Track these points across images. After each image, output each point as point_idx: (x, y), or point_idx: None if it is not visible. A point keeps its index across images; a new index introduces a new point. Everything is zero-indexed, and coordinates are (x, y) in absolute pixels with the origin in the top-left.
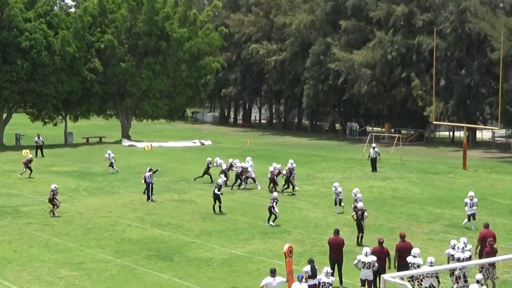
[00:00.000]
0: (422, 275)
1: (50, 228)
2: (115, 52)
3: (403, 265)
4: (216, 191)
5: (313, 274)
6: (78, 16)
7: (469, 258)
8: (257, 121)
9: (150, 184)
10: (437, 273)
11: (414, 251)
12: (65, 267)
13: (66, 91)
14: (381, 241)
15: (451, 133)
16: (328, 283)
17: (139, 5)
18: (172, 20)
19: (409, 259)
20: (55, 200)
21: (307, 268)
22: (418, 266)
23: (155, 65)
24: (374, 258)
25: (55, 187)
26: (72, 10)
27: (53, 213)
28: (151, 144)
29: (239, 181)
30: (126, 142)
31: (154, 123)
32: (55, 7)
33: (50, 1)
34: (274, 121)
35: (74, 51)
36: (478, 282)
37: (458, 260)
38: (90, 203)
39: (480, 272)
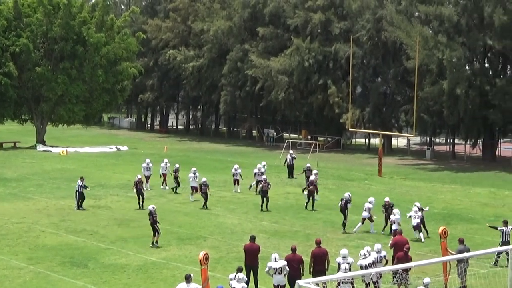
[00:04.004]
0: (338, 281)
1: None
2: (30, 56)
3: (318, 271)
4: None
5: None
6: None
7: (372, 264)
8: (174, 127)
9: (79, 193)
10: (352, 279)
11: (343, 252)
12: None
13: None
14: (294, 248)
15: (367, 140)
16: None
17: (55, 10)
18: (89, 25)
19: (338, 260)
20: (156, 224)
21: (233, 275)
22: (350, 265)
23: (71, 70)
24: (284, 262)
25: (153, 208)
26: None
27: (155, 242)
28: (66, 150)
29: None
30: (41, 147)
31: (70, 128)
32: None
33: None
34: (191, 127)
35: None
36: (425, 286)
37: (361, 267)
38: (3, 209)
39: (393, 278)
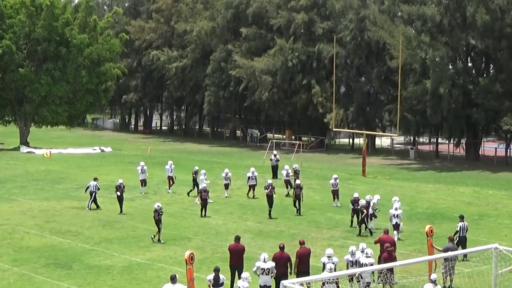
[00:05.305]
0: (322, 281)
1: None
2: (13, 57)
3: (303, 271)
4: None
5: (216, 282)
6: None
7: (371, 265)
8: (158, 128)
9: (94, 193)
10: (337, 279)
11: (328, 251)
12: None
13: None
14: (282, 246)
15: (351, 140)
16: None
17: (38, 11)
18: (72, 26)
19: (323, 259)
20: (160, 222)
21: (211, 276)
22: (335, 265)
23: (55, 71)
24: (272, 264)
25: (158, 206)
26: None
27: (158, 239)
28: (50, 151)
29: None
30: (24, 149)
31: (54, 130)
32: None
33: None
34: (175, 127)
35: None
36: (432, 281)
37: (358, 263)
38: None
39: (378, 277)
